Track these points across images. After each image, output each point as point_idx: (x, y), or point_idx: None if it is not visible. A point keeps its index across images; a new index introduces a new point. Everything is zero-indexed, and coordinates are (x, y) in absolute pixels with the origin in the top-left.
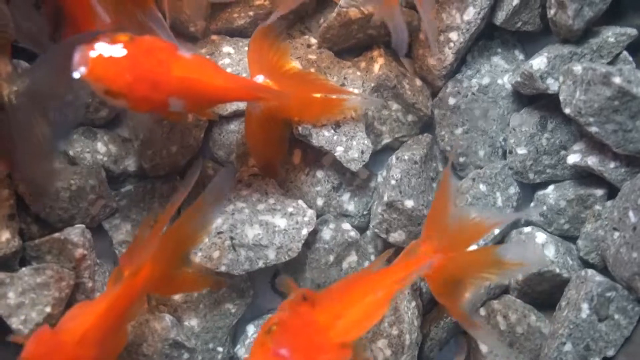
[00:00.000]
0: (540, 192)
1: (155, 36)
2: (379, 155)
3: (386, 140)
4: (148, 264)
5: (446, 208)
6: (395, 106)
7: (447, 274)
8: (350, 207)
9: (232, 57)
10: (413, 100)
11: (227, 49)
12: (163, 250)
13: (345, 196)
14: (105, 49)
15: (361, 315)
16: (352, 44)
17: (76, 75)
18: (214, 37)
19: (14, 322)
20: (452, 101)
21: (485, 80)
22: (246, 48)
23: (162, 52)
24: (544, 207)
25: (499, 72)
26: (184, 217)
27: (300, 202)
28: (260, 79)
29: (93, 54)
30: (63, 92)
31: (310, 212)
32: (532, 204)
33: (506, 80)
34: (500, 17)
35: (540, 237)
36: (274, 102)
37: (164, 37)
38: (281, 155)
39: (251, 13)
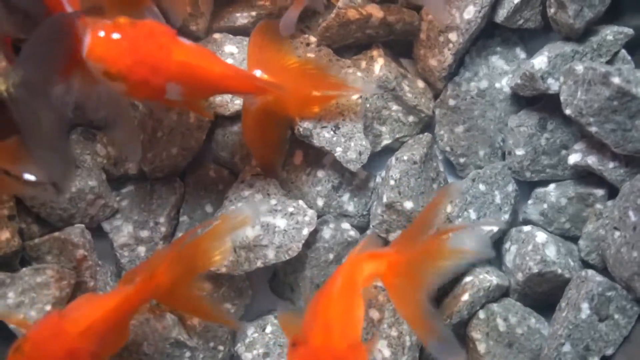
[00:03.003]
0: (540, 190)
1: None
2: (380, 156)
3: (386, 141)
4: (161, 272)
5: None
6: (395, 107)
7: (402, 271)
8: (350, 207)
9: (235, 57)
10: (414, 102)
11: (229, 48)
12: (178, 262)
13: (345, 196)
14: (106, 31)
15: (342, 314)
16: (350, 42)
17: None
18: (216, 35)
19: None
20: (452, 102)
21: (483, 84)
22: None
23: (163, 36)
24: (545, 205)
25: (496, 75)
26: (203, 237)
27: (300, 202)
28: (257, 73)
29: (94, 35)
30: (53, 76)
31: (311, 212)
32: (529, 202)
33: (504, 84)
34: (501, 14)
35: (541, 236)
36: (271, 98)
37: None
38: (279, 152)
39: (253, 13)
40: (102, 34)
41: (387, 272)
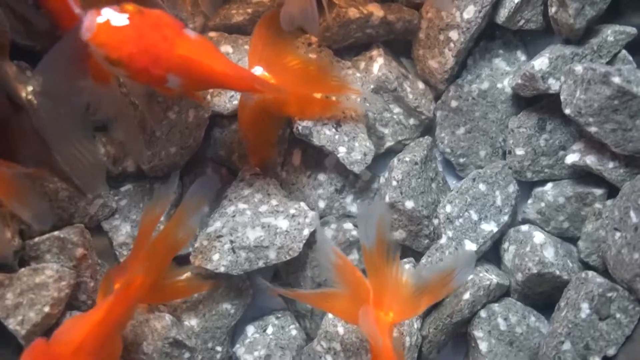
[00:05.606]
0: (538, 189)
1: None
2: (383, 158)
3: (389, 143)
4: (139, 275)
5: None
6: (397, 109)
7: (386, 299)
8: (353, 208)
9: (231, 58)
10: (415, 103)
11: (225, 48)
12: (152, 259)
13: (349, 198)
14: (113, 17)
15: None
16: (350, 42)
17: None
18: (212, 34)
19: (11, 323)
20: (454, 104)
21: (485, 85)
22: (245, 47)
23: (168, 28)
24: (542, 204)
25: (498, 76)
26: (168, 226)
27: (302, 204)
28: (258, 70)
29: (100, 19)
30: (74, 84)
31: (312, 214)
32: (529, 201)
33: (506, 84)
34: (502, 15)
35: (539, 237)
36: (269, 96)
37: None
38: (273, 149)
39: (249, 10)
40: (107, 19)
41: (395, 316)
